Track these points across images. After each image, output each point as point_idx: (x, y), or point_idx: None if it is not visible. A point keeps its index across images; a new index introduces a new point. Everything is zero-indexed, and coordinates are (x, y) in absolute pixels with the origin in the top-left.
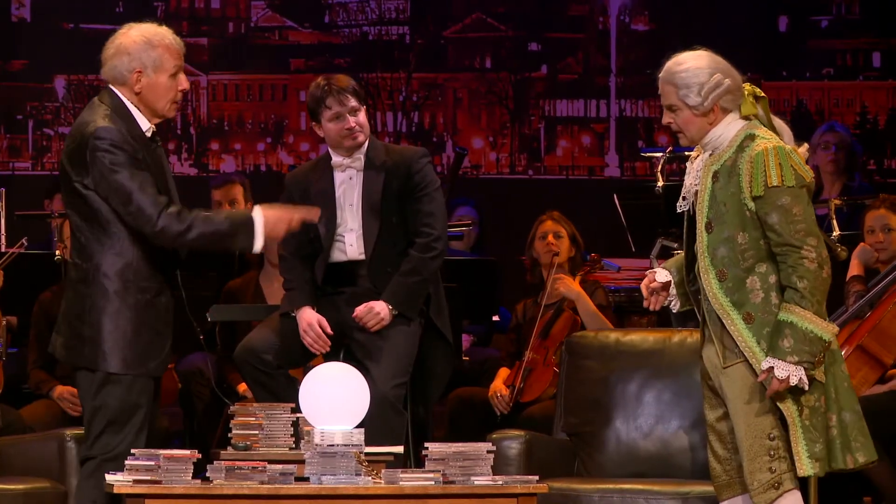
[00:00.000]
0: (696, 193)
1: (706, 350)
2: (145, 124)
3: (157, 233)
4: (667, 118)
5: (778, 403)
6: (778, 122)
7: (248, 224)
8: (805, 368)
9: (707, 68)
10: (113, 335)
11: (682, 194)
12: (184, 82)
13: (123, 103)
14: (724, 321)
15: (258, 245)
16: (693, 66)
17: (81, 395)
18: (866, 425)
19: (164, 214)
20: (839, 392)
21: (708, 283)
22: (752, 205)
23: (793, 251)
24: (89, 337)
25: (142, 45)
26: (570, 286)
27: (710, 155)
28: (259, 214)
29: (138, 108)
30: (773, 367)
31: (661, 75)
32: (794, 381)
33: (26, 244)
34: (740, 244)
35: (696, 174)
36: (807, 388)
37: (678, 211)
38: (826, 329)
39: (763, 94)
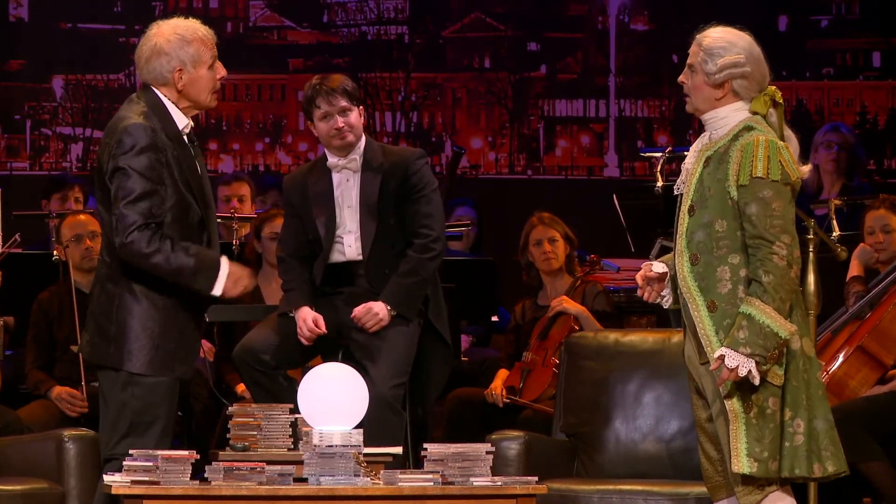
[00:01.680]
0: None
1: (686, 349)
2: (182, 122)
3: (123, 244)
4: (683, 76)
5: (724, 399)
6: (788, 133)
7: (214, 267)
8: (757, 362)
9: (734, 46)
10: (139, 336)
11: (680, 177)
12: (221, 70)
13: (161, 101)
14: (689, 305)
15: (216, 291)
16: (726, 38)
17: (104, 394)
18: (838, 436)
19: (138, 231)
20: (812, 399)
21: (680, 266)
22: (735, 193)
23: (764, 245)
24: (115, 336)
25: (177, 42)
26: (573, 305)
27: (709, 139)
28: (226, 264)
29: (177, 106)
30: (724, 356)
31: (697, 33)
32: (742, 373)
33: (19, 240)
34: (717, 231)
35: (693, 155)
36: (757, 381)
37: (675, 193)
38: (784, 326)
39: (781, 102)
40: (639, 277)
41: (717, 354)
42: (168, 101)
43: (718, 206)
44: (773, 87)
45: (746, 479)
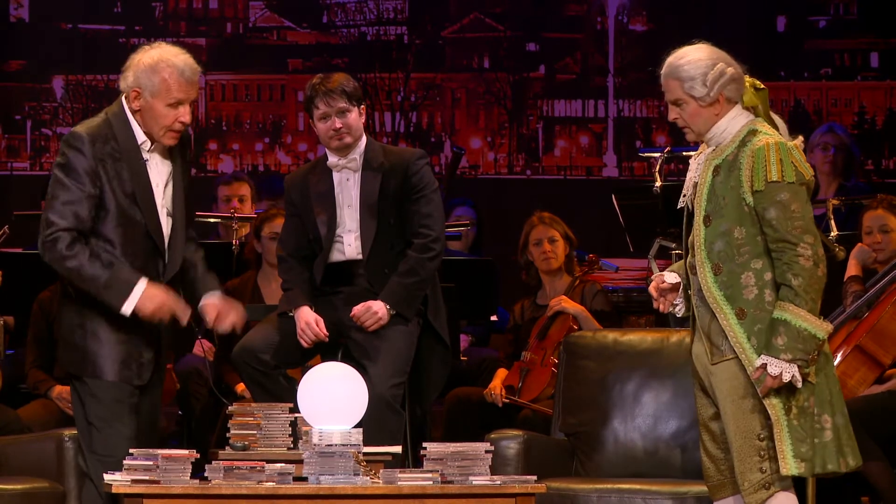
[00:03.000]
0: (695, 187)
1: (695, 348)
2: (141, 137)
3: (44, 243)
4: (672, 114)
5: (765, 402)
6: (774, 115)
7: (128, 286)
8: (799, 366)
9: (709, 59)
10: (81, 341)
11: (683, 191)
12: (184, 115)
13: (125, 113)
14: (716, 315)
15: (126, 309)
16: (695, 57)
17: (72, 398)
18: (852, 429)
19: (60, 235)
20: (833, 395)
21: (703, 277)
22: (750, 199)
23: (789, 248)
24: (64, 340)
25: (146, 68)
26: (572, 305)
27: (713, 150)
28: (143, 285)
29: (138, 122)
30: (766, 364)
31: (663, 71)
32: (786, 378)
33: (7, 233)
34: (737, 239)
35: (696, 168)
36: (800, 385)
37: (679, 207)
38: (820, 327)
39: (763, 86)
40: (652, 289)
41: (758, 363)
42: (131, 115)
43: (735, 213)
44: (748, 77)
45: (752, 478)
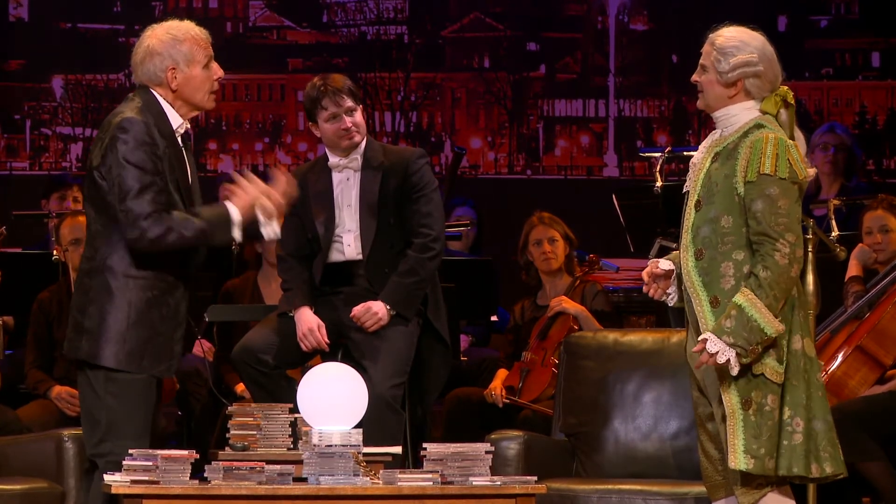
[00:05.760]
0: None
1: (689, 345)
2: (177, 121)
3: (136, 238)
4: (696, 75)
5: (721, 393)
6: (798, 133)
7: (225, 219)
8: (737, 353)
9: (746, 45)
10: (110, 329)
11: (689, 174)
12: (217, 71)
13: (157, 100)
14: (692, 300)
15: (237, 237)
16: (739, 37)
17: (80, 393)
18: (837, 437)
19: (146, 221)
20: (811, 399)
21: (685, 260)
22: (742, 189)
23: (767, 242)
24: (88, 329)
25: (169, 42)
26: (573, 305)
27: (719, 136)
28: (230, 207)
29: (172, 106)
30: (706, 340)
31: (710, 33)
32: (721, 360)
33: (5, 233)
34: (723, 227)
35: (702, 151)
36: (734, 372)
37: (683, 191)
38: (771, 324)
39: (793, 103)
40: (645, 274)
41: (700, 338)
42: (163, 100)
43: (725, 201)
44: (786, 88)
45: (745, 479)
